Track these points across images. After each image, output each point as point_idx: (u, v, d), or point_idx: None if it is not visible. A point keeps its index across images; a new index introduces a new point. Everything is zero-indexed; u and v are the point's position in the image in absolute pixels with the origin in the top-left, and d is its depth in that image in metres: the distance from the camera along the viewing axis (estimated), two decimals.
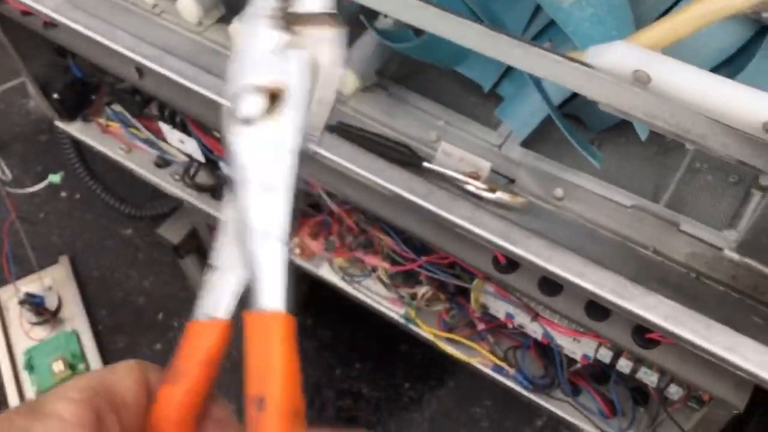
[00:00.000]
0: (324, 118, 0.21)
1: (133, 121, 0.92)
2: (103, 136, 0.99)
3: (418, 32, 0.70)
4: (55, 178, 1.20)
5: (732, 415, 0.55)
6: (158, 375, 0.22)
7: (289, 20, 0.22)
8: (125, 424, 0.21)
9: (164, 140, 0.90)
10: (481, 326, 0.78)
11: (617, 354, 0.66)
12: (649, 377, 0.66)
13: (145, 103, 0.92)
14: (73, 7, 0.76)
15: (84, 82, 0.98)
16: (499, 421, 1.12)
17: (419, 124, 0.77)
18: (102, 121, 0.98)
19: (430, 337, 0.80)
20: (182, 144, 0.87)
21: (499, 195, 0.64)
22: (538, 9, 0.76)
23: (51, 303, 1.25)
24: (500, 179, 0.72)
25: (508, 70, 0.78)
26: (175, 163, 0.95)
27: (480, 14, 0.70)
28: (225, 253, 0.22)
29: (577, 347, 0.69)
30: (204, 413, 0.22)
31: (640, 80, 0.52)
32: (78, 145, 1.05)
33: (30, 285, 1.26)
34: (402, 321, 0.82)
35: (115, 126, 0.96)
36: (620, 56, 0.53)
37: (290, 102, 0.21)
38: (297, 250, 0.88)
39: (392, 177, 0.58)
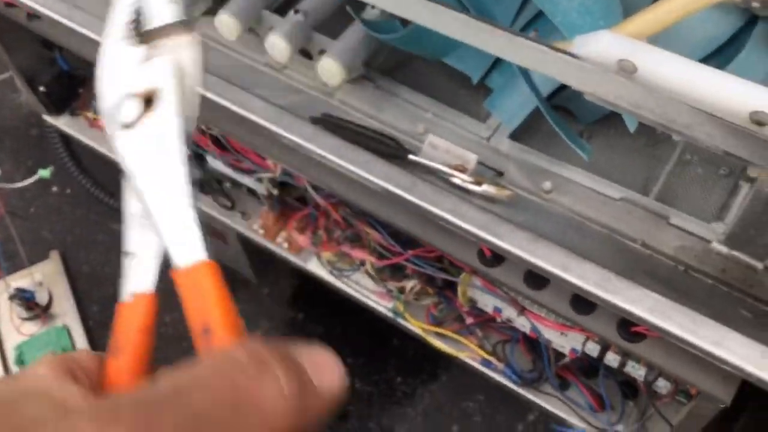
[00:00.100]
0: (196, 107, 0.24)
1: None
2: (91, 130, 0.98)
3: (405, 23, 0.69)
4: (44, 172, 1.19)
5: (719, 409, 0.55)
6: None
7: (147, 36, 0.24)
8: (92, 381, 0.23)
9: None
10: (469, 320, 0.78)
11: (605, 348, 0.66)
12: (637, 371, 0.65)
13: None
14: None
15: (71, 75, 0.97)
16: (492, 416, 1.12)
17: (407, 116, 0.76)
18: (90, 114, 0.97)
19: (419, 332, 0.80)
20: None
21: (486, 188, 0.63)
22: (526, 0, 0.75)
23: (42, 298, 1.24)
24: (488, 172, 0.71)
25: (497, 62, 0.77)
26: None
27: (468, 5, 0.69)
28: (135, 238, 0.24)
29: (565, 341, 0.69)
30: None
31: (626, 70, 0.51)
32: (67, 140, 1.04)
33: (20, 280, 1.25)
34: (390, 315, 0.82)
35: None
36: (605, 46, 0.52)
37: (164, 99, 0.24)
38: (285, 245, 0.88)
39: (375, 169, 0.57)
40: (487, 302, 0.72)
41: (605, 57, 0.52)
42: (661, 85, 0.50)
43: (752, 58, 0.65)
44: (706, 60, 0.68)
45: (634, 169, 0.73)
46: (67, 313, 1.24)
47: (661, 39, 0.68)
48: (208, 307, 0.23)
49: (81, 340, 1.20)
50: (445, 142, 0.66)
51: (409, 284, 0.78)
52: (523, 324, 0.70)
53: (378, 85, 0.79)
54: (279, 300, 1.27)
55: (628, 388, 0.75)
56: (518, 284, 0.61)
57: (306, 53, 0.80)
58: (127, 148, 0.24)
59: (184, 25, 0.24)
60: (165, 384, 0.20)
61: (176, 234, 0.24)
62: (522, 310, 0.67)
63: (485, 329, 0.80)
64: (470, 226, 0.54)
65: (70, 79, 0.97)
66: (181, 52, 0.24)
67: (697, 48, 0.68)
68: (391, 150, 0.66)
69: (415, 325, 0.79)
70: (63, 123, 0.99)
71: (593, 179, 0.70)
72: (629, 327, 0.56)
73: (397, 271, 0.77)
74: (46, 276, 1.27)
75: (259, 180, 0.79)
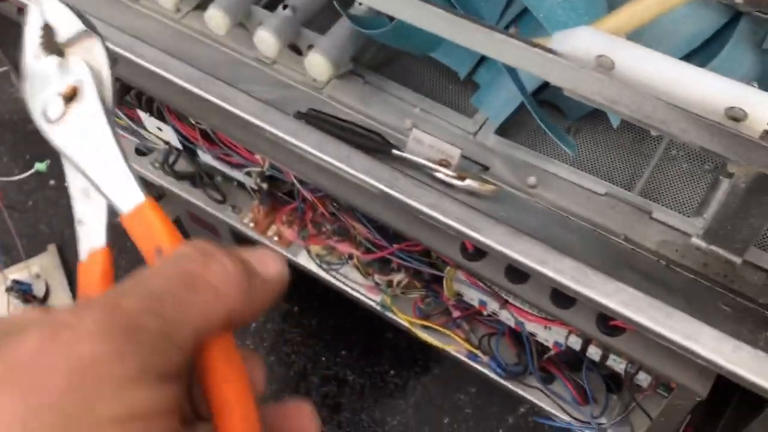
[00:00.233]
0: (110, 94, 0.29)
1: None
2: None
3: (392, 19, 0.70)
4: (41, 166, 1.21)
5: (696, 402, 0.55)
6: None
7: (59, 47, 0.29)
8: None
9: (144, 128, 0.90)
10: (456, 313, 0.79)
11: (587, 341, 0.66)
12: (618, 364, 0.66)
13: (126, 90, 0.92)
14: None
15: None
16: (483, 408, 1.13)
17: (395, 111, 0.77)
18: None
19: (406, 325, 0.80)
20: (160, 132, 0.87)
21: (469, 182, 0.64)
22: None
23: (39, 290, 1.25)
24: (474, 166, 0.72)
25: (485, 58, 0.78)
26: (156, 151, 0.95)
27: (454, 2, 0.69)
28: (82, 207, 0.28)
29: (549, 335, 0.69)
30: None
31: (604, 66, 0.52)
32: None
33: (18, 273, 1.27)
34: (378, 308, 0.83)
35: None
36: (584, 42, 0.52)
37: (85, 90, 0.28)
38: (275, 238, 0.88)
39: (356, 164, 0.58)
40: (473, 296, 0.73)
41: (584, 53, 0.52)
42: (639, 81, 0.51)
43: (735, 54, 0.65)
44: (691, 56, 0.69)
45: (620, 165, 0.74)
46: (63, 305, 1.25)
47: (646, 35, 0.69)
48: (156, 234, 0.26)
49: None
50: (430, 137, 0.67)
51: (397, 278, 0.78)
52: (507, 317, 0.71)
53: (366, 80, 0.79)
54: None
55: (613, 381, 0.75)
56: (500, 278, 0.61)
57: (295, 48, 0.81)
58: (63, 136, 0.28)
59: (88, 32, 0.29)
60: (128, 281, 0.22)
61: (117, 188, 0.27)
62: (504, 304, 0.68)
63: (472, 322, 0.81)
64: (450, 220, 0.55)
65: None
66: (91, 52, 0.29)
67: (681, 44, 0.69)
68: (375, 145, 0.66)
69: (402, 319, 0.80)
70: None
71: (578, 174, 0.70)
72: (608, 321, 0.57)
73: (385, 265, 0.78)
74: (43, 268, 1.29)
75: (248, 174, 0.80)
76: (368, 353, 1.20)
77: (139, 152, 0.98)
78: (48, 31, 0.29)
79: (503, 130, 0.75)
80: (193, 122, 0.80)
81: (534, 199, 0.69)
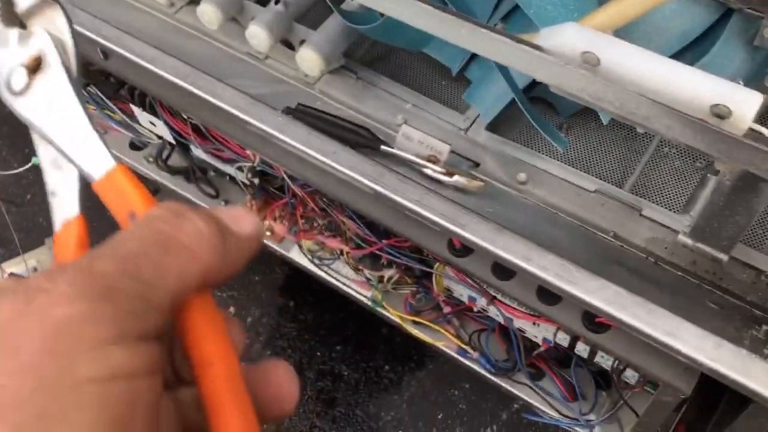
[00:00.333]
0: (75, 63, 0.29)
1: (108, 103, 0.92)
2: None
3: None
4: (37, 160, 1.21)
5: (680, 400, 0.55)
6: None
7: (20, 18, 0.29)
8: None
9: (138, 122, 0.90)
10: (447, 309, 0.79)
11: (575, 338, 0.66)
12: (606, 361, 0.66)
13: (120, 85, 0.92)
14: None
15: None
16: (477, 404, 1.13)
17: (386, 107, 0.77)
18: None
19: (397, 320, 0.80)
20: (154, 126, 0.87)
21: (457, 178, 0.64)
22: None
23: None
24: (465, 162, 0.72)
25: (476, 54, 0.78)
26: (151, 146, 0.95)
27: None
28: (53, 179, 0.28)
29: (537, 331, 0.69)
30: None
31: (589, 62, 0.51)
32: None
33: (15, 267, 1.27)
34: (369, 304, 0.83)
35: (90, 108, 0.96)
36: (570, 38, 0.52)
37: (49, 60, 0.28)
38: (268, 233, 0.89)
39: (343, 159, 0.58)
40: (462, 292, 0.73)
41: (570, 49, 0.52)
42: (624, 78, 0.50)
43: (726, 50, 0.65)
44: (682, 53, 0.69)
45: (611, 161, 0.74)
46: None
47: (637, 32, 0.68)
48: (128, 199, 0.26)
49: None
50: (419, 133, 0.67)
51: (388, 273, 0.78)
52: (496, 313, 0.71)
53: (359, 76, 0.79)
54: (270, 287, 1.29)
55: (603, 378, 0.75)
56: (487, 275, 0.61)
57: (288, 44, 0.81)
58: (29, 107, 0.28)
59: (47, 1, 0.29)
60: (102, 245, 0.22)
61: (87, 156, 0.27)
62: (492, 300, 0.68)
63: (462, 318, 0.81)
64: (434, 216, 0.55)
65: None
66: (53, 21, 0.29)
67: (673, 41, 0.68)
68: (364, 140, 0.66)
69: (393, 314, 0.80)
70: None
71: (569, 171, 0.70)
72: (593, 318, 0.57)
73: (376, 261, 0.78)
74: (40, 263, 1.29)
75: (240, 169, 0.80)
76: (363, 348, 1.20)
77: (134, 147, 0.98)
78: (7, 2, 0.29)
79: (495, 127, 0.75)
80: (185, 117, 0.80)
81: (523, 196, 0.68)
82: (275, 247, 0.88)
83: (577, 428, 0.74)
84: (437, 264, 0.71)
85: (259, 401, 0.24)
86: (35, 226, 1.37)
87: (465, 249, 0.62)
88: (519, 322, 0.69)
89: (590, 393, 0.75)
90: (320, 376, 1.18)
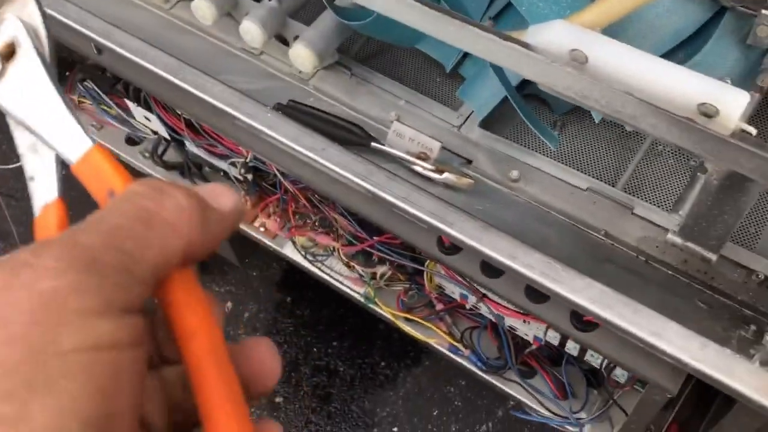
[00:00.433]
0: (48, 49, 0.29)
1: (104, 98, 0.92)
2: (76, 112, 0.99)
3: None
4: None
5: (667, 399, 0.55)
6: None
7: None
8: None
9: (134, 117, 0.90)
10: (439, 306, 0.79)
11: (565, 336, 0.66)
12: (596, 360, 0.66)
13: (116, 80, 0.92)
14: None
15: (57, 58, 0.98)
16: (472, 401, 1.13)
17: (380, 103, 0.76)
18: (74, 97, 0.98)
19: (389, 317, 0.80)
20: (148, 122, 0.87)
21: (446, 176, 0.64)
22: None
23: None
24: (457, 160, 0.72)
25: None
26: (146, 141, 0.96)
27: None
28: (31, 164, 0.28)
29: (528, 329, 0.69)
30: None
31: (577, 60, 0.51)
32: None
33: None
34: (362, 300, 0.83)
35: (87, 103, 0.96)
36: (558, 35, 0.52)
37: (22, 46, 0.28)
38: (262, 229, 0.89)
39: (332, 156, 0.58)
40: (454, 289, 0.73)
41: (558, 47, 0.52)
42: (612, 76, 0.50)
43: (719, 48, 0.65)
44: (676, 51, 0.68)
45: (605, 159, 0.74)
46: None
47: (631, 30, 0.68)
48: (107, 178, 0.26)
49: None
50: (410, 130, 0.67)
51: (380, 270, 0.78)
52: (487, 311, 0.71)
53: (353, 72, 0.79)
54: (267, 283, 1.29)
55: (594, 376, 0.75)
56: (476, 273, 0.61)
57: (283, 39, 0.81)
58: (3, 93, 0.28)
59: None
60: (83, 221, 0.22)
61: (63, 138, 0.27)
62: (482, 298, 0.68)
63: (455, 316, 0.81)
64: (422, 213, 0.55)
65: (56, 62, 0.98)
66: (25, 8, 0.29)
67: (666, 39, 0.68)
68: (356, 137, 0.66)
69: (385, 311, 0.80)
70: None
71: (561, 169, 0.70)
72: (581, 316, 0.57)
73: (369, 257, 0.78)
74: None
75: (233, 164, 0.80)
76: (359, 344, 1.20)
77: (130, 142, 0.98)
78: None
79: (488, 124, 0.75)
80: (178, 112, 0.80)
81: (515, 193, 0.68)
82: (268, 243, 0.89)
83: (567, 426, 0.74)
84: (428, 261, 0.71)
85: (242, 379, 0.24)
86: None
87: (454, 247, 0.62)
88: (510, 320, 0.69)
89: (581, 391, 0.74)
90: (316, 371, 1.18)
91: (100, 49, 0.75)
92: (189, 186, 0.25)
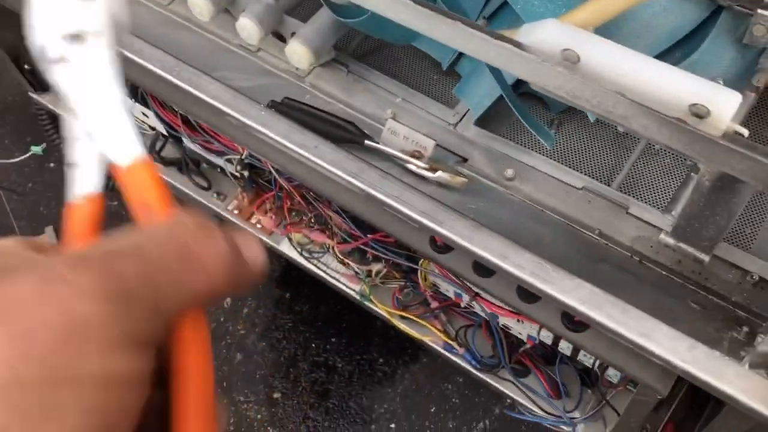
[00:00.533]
0: (119, 40, 0.28)
1: None
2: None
3: None
4: (37, 149, 1.22)
5: (657, 400, 0.55)
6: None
7: None
8: None
9: (132, 113, 0.90)
10: (434, 304, 0.79)
11: (558, 336, 0.66)
12: (588, 360, 0.65)
13: None
14: None
15: None
16: (470, 398, 1.13)
17: (376, 101, 0.76)
18: None
19: (384, 315, 0.80)
20: (146, 118, 0.87)
21: (440, 174, 0.63)
22: None
23: None
24: (452, 158, 0.71)
25: None
26: (145, 137, 0.96)
27: None
28: (78, 151, 0.27)
29: (522, 328, 0.69)
30: None
31: (569, 59, 0.51)
32: (56, 117, 1.06)
33: None
34: (358, 298, 0.83)
35: None
36: (550, 35, 0.52)
37: (98, 34, 0.27)
38: (258, 225, 0.89)
39: (324, 154, 0.57)
40: (448, 287, 0.73)
41: (550, 46, 0.52)
42: (604, 76, 0.50)
43: (715, 47, 0.64)
44: (672, 50, 0.68)
45: (601, 158, 0.73)
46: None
47: (626, 29, 0.68)
48: (148, 192, 0.26)
49: None
50: (405, 128, 0.67)
51: (375, 268, 0.78)
52: (480, 310, 0.71)
53: (350, 69, 0.79)
54: (267, 279, 1.29)
55: (588, 375, 0.75)
56: (468, 272, 0.61)
57: (280, 36, 0.81)
58: (66, 78, 0.27)
59: None
60: (125, 240, 0.22)
61: (115, 139, 0.27)
62: (474, 296, 0.67)
63: (450, 314, 0.81)
64: (412, 212, 0.55)
65: None
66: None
67: (663, 37, 0.67)
68: (350, 135, 0.66)
69: (380, 309, 0.80)
70: (48, 100, 1.00)
71: (557, 167, 0.70)
72: (572, 316, 0.57)
73: (364, 255, 0.78)
74: None
75: (229, 161, 0.80)
76: (358, 341, 1.20)
77: None
78: None
79: (484, 122, 0.74)
80: (174, 109, 0.80)
81: (509, 192, 0.68)
82: (265, 239, 0.89)
83: (561, 426, 0.73)
84: (422, 259, 0.71)
85: None
86: (36, 215, 1.38)
87: (446, 246, 0.62)
88: (503, 319, 0.69)
89: (575, 390, 0.74)
90: (314, 367, 1.18)
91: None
92: (229, 230, 0.25)
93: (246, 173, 0.80)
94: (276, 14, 0.77)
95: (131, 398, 0.21)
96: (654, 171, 0.71)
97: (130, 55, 0.68)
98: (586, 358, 0.66)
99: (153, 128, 0.89)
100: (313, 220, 0.78)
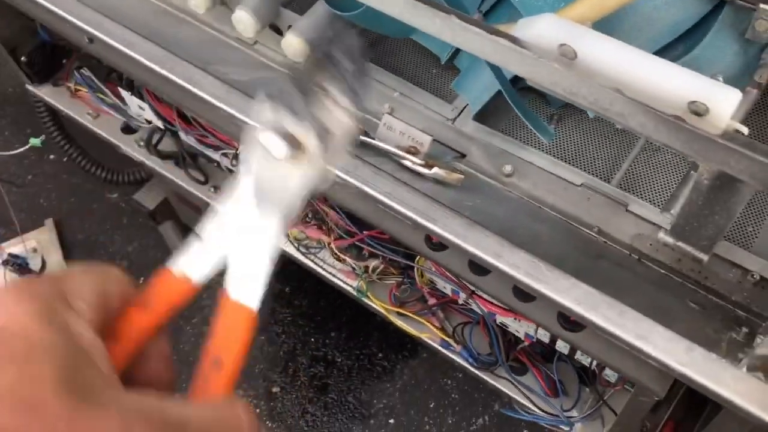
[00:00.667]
0: (328, 176, 0.28)
1: (100, 86, 0.92)
2: (72, 101, 0.99)
3: None
4: (35, 141, 1.21)
5: (654, 401, 0.54)
6: (117, 286, 0.26)
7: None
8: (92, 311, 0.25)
9: (129, 106, 0.90)
10: (432, 301, 0.78)
11: (554, 335, 0.65)
12: (586, 359, 0.65)
13: (111, 69, 0.92)
14: None
15: (54, 46, 0.98)
16: (469, 394, 1.12)
17: (374, 95, 0.75)
18: (71, 85, 0.97)
19: (381, 311, 0.80)
20: (142, 111, 0.86)
21: (436, 171, 0.62)
22: None
23: (35, 264, 1.27)
24: (450, 153, 0.70)
25: None
26: (142, 130, 0.95)
27: None
28: (214, 232, 0.28)
29: (519, 326, 0.68)
30: (152, 342, 0.28)
31: (566, 55, 0.50)
32: (54, 109, 1.05)
33: (14, 247, 1.28)
34: (355, 294, 0.82)
35: (84, 91, 0.96)
36: (547, 29, 0.51)
37: (308, 157, 0.27)
38: None
39: None
40: (445, 285, 0.72)
41: (546, 41, 0.50)
42: (601, 72, 0.49)
43: (717, 42, 0.63)
44: (674, 44, 0.66)
45: (601, 155, 0.72)
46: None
47: (627, 23, 0.66)
48: (232, 344, 0.26)
49: None
50: (401, 123, 0.66)
51: (372, 264, 0.78)
52: (478, 308, 0.70)
53: None
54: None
55: (586, 373, 0.74)
56: (464, 270, 0.60)
57: (277, 29, 0.80)
58: (261, 172, 0.27)
59: (348, 111, 0.28)
60: (175, 411, 0.23)
61: (248, 276, 0.27)
62: (471, 294, 0.67)
63: (447, 311, 0.80)
64: (406, 209, 0.54)
65: (53, 50, 0.98)
66: (333, 121, 0.28)
67: (664, 32, 0.66)
68: None
69: (377, 305, 0.80)
70: (45, 93, 0.99)
71: (556, 164, 0.69)
72: (568, 316, 0.56)
73: (361, 251, 0.77)
74: (40, 243, 1.30)
75: (225, 155, 0.79)
76: (357, 335, 1.20)
77: (127, 130, 0.98)
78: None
79: (483, 117, 0.73)
80: (168, 101, 0.80)
81: (507, 188, 0.67)
82: None
83: (559, 425, 0.73)
84: (418, 257, 0.70)
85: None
86: (35, 207, 1.37)
87: (441, 244, 0.61)
88: (501, 317, 0.68)
89: (573, 388, 0.74)
90: (313, 362, 1.18)
91: (91, 38, 0.75)
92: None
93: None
94: (272, 6, 0.76)
95: None
96: (655, 168, 0.70)
97: (123, 49, 0.67)
98: (583, 357, 0.65)
99: (149, 121, 0.89)
100: (309, 216, 0.77)
